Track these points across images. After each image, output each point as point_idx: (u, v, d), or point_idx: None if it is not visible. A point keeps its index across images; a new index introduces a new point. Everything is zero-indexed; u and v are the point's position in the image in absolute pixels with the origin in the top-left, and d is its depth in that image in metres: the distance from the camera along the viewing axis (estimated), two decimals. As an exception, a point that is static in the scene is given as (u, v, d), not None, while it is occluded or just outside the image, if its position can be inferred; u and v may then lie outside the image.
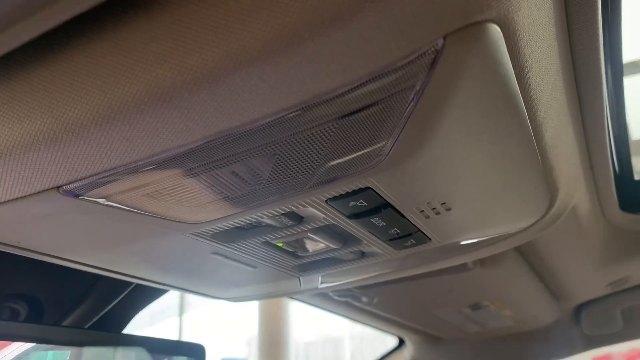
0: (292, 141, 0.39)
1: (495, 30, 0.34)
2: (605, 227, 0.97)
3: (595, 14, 0.50)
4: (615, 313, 1.38)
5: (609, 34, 0.64)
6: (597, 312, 1.38)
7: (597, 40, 0.53)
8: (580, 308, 1.41)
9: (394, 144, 0.40)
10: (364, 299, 1.05)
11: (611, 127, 0.80)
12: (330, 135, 0.39)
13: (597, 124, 0.67)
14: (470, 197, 0.53)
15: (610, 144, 0.79)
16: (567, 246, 0.96)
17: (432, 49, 0.33)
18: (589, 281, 1.21)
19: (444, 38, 0.33)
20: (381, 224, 0.53)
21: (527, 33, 0.38)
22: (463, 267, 0.90)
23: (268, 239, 0.56)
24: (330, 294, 1.06)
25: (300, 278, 0.72)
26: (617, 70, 0.72)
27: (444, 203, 0.52)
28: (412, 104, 0.37)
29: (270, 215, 0.50)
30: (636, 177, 1.01)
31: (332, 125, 0.38)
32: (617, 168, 0.92)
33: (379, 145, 0.40)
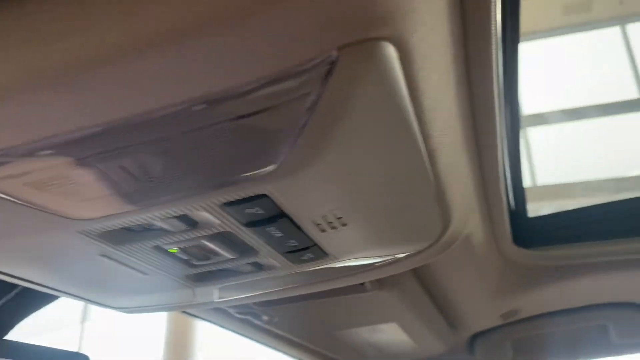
0: (184, 139, 0.38)
1: (390, 49, 0.35)
2: (498, 259, 1.02)
3: (489, 53, 0.53)
4: (506, 344, 1.45)
5: (506, 76, 0.68)
6: (489, 342, 1.44)
7: (491, 80, 0.56)
8: (474, 337, 1.47)
9: (289, 152, 0.41)
10: (265, 318, 1.04)
11: (508, 166, 0.85)
12: (224, 137, 0.39)
13: (491, 160, 0.71)
14: (365, 214, 0.54)
15: (505, 181, 0.84)
16: (462, 274, 1.00)
17: (327, 60, 0.34)
18: (482, 311, 1.26)
19: (339, 50, 0.34)
20: (278, 235, 0.53)
21: (422, 57, 0.40)
22: (361, 288, 0.92)
23: (160, 243, 0.54)
24: (231, 310, 1.04)
25: (195, 290, 0.70)
26: (514, 111, 0.77)
27: (340, 218, 0.52)
28: (307, 113, 0.37)
29: (163, 217, 0.49)
30: (530, 215, 1.08)
31: (227, 126, 0.38)
32: (513, 204, 0.98)
33: (274, 152, 0.41)
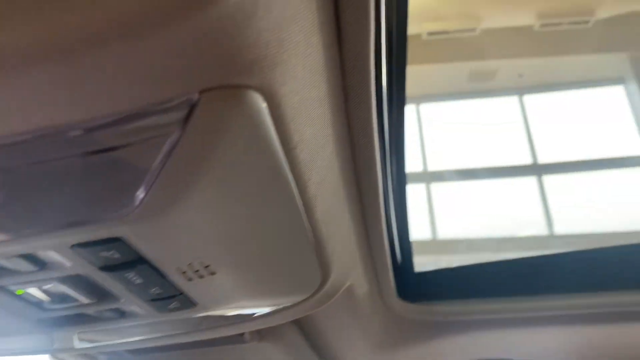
0: (27, 172, 0.35)
1: (257, 98, 0.35)
2: (383, 312, 1.03)
3: (370, 113, 0.54)
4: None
5: (392, 133, 0.70)
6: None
7: (372, 139, 0.57)
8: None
9: (146, 195, 0.38)
10: (138, 366, 0.97)
11: (394, 220, 0.86)
12: (73, 172, 0.36)
13: (374, 215, 0.72)
14: (235, 263, 0.52)
15: (390, 235, 0.85)
16: (346, 327, 0.99)
17: (187, 102, 0.32)
18: None
19: (200, 93, 0.32)
20: (138, 281, 0.50)
21: (294, 109, 0.39)
22: (240, 339, 0.88)
23: (3, 283, 0.49)
24: (100, 357, 0.96)
25: (53, 335, 0.64)
26: (400, 168, 0.79)
27: (207, 266, 0.50)
28: (165, 155, 0.35)
29: (5, 256, 0.44)
30: (417, 270, 1.10)
31: (76, 161, 0.35)
32: (399, 258, 1.00)
33: (130, 193, 0.38)
